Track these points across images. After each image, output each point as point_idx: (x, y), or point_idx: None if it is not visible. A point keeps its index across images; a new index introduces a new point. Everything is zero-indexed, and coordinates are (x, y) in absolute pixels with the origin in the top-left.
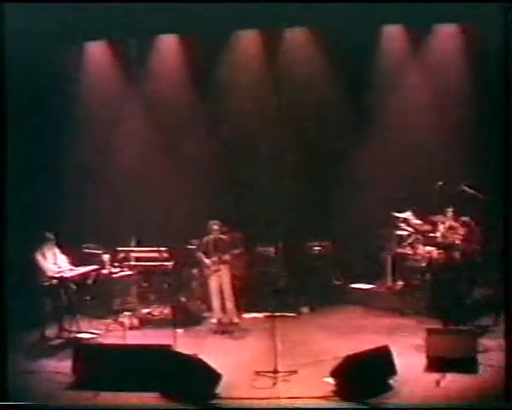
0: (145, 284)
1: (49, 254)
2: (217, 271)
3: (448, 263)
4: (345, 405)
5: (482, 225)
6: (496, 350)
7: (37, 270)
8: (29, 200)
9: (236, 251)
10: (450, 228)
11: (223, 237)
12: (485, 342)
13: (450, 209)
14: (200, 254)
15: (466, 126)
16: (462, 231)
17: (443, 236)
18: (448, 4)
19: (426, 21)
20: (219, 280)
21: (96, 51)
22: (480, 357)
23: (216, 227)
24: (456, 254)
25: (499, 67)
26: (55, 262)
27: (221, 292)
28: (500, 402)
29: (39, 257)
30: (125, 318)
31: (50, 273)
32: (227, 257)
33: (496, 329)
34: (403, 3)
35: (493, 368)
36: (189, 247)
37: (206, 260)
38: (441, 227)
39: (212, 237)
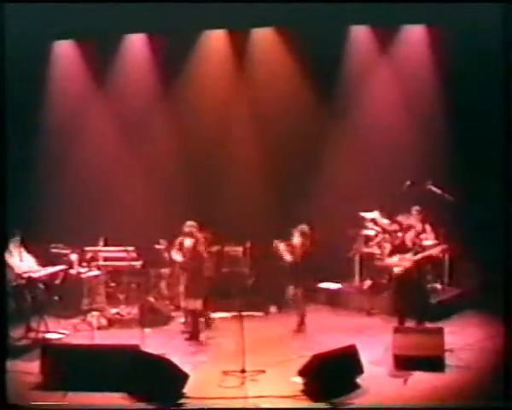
0: (113, 284)
1: (15, 252)
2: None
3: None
4: (312, 404)
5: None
6: (463, 350)
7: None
8: None
9: (213, 249)
10: (418, 232)
11: (197, 237)
12: (451, 341)
13: (416, 209)
14: (174, 254)
15: (436, 127)
16: (430, 233)
17: (412, 240)
18: (443, 4)
19: (415, 21)
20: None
21: (65, 51)
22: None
23: (191, 227)
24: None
25: (494, 67)
26: (21, 260)
27: None
28: (500, 402)
29: (6, 255)
30: (93, 318)
31: (18, 271)
32: (200, 256)
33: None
34: (386, 3)
35: (461, 367)
36: (157, 246)
37: (180, 260)
38: (409, 232)
39: (185, 236)
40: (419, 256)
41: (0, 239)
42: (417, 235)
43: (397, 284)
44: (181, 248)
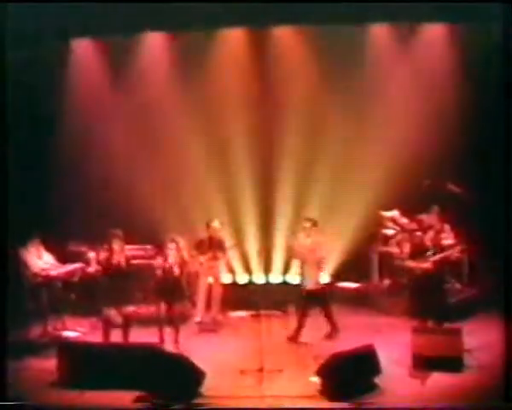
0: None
1: (33, 250)
2: (210, 269)
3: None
4: (330, 404)
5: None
6: (482, 350)
7: (22, 267)
8: (14, 198)
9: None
10: (438, 231)
11: (219, 236)
12: (470, 341)
13: (435, 209)
14: (195, 252)
15: (455, 126)
16: (449, 233)
17: (431, 240)
18: (446, 4)
19: (418, 20)
20: (211, 279)
21: (82, 49)
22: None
23: (214, 226)
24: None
25: (496, 66)
26: (39, 259)
27: (209, 291)
28: (500, 402)
29: (24, 253)
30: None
31: (36, 270)
32: (222, 256)
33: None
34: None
35: (479, 368)
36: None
37: (201, 258)
38: (429, 232)
39: (208, 235)
40: (437, 257)
41: (2, 240)
42: (436, 235)
43: (416, 285)
44: (200, 246)
